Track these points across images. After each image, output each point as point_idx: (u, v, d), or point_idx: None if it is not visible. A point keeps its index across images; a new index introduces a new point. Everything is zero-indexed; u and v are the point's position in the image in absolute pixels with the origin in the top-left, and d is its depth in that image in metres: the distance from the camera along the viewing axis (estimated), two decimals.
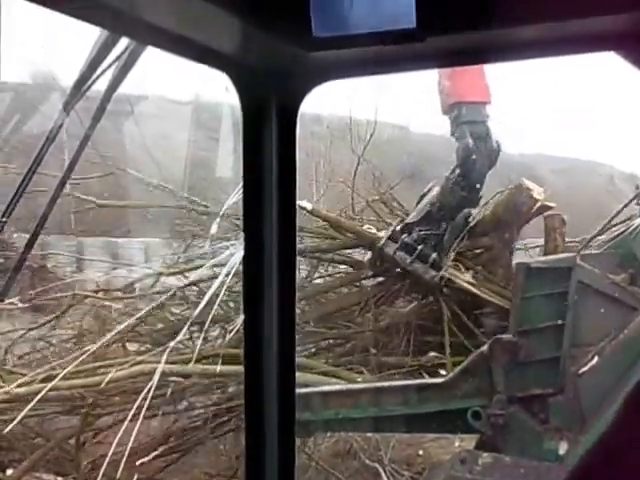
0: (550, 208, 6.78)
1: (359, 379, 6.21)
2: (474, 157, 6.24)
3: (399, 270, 7.01)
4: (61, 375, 5.58)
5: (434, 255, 6.55)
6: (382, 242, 6.75)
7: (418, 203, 6.84)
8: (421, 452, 6.79)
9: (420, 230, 6.61)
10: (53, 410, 6.29)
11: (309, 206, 7.12)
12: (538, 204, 6.77)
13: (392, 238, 6.72)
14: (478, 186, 6.49)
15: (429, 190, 6.78)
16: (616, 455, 0.70)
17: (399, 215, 7.52)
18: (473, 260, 7.12)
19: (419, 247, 6.52)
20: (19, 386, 5.58)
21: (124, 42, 1.35)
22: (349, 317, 7.42)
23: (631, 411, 0.72)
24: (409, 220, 6.71)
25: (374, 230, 7.27)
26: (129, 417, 5.07)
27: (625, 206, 6.80)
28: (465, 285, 6.69)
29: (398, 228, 6.81)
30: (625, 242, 4.96)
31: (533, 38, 1.17)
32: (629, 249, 4.87)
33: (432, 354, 6.84)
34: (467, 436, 5.41)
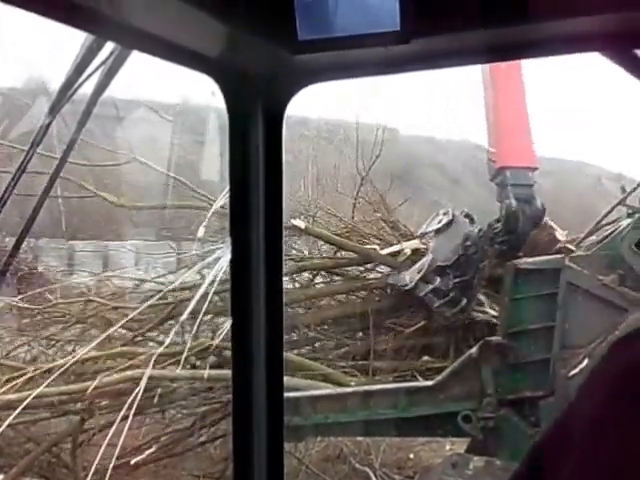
0: (571, 251, 6.63)
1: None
2: (518, 218, 6.47)
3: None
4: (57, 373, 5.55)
5: (464, 302, 6.65)
6: (412, 284, 6.67)
7: (436, 233, 6.81)
8: (412, 456, 6.79)
9: (454, 277, 6.60)
10: (43, 415, 6.25)
11: (302, 225, 7.06)
12: (559, 245, 6.89)
13: (424, 279, 6.66)
14: (518, 244, 6.64)
15: (448, 223, 6.73)
16: (568, 440, 0.71)
17: (386, 221, 7.60)
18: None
19: (451, 294, 6.56)
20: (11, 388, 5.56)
21: (110, 46, 1.34)
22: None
23: (585, 396, 0.73)
24: (442, 263, 6.65)
25: (374, 247, 7.33)
26: (117, 421, 5.04)
27: (613, 208, 6.87)
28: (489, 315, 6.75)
29: (430, 268, 6.68)
30: (613, 244, 5.00)
31: (518, 39, 1.18)
32: (617, 251, 4.90)
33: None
34: (458, 439, 5.43)
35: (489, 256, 6.79)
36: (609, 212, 7.00)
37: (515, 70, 6.45)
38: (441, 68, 1.26)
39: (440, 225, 6.71)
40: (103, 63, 1.42)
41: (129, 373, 5.79)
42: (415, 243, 7.37)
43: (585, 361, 4.38)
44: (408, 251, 7.23)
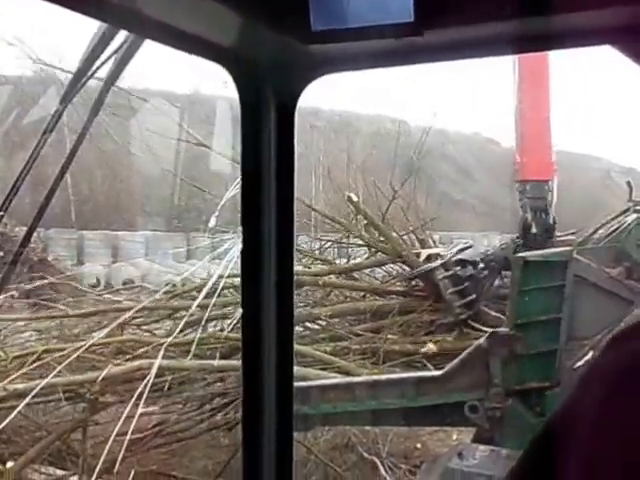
0: None
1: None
2: (533, 229, 6.97)
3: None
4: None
5: (473, 296, 7.03)
6: (434, 264, 7.17)
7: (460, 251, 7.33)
8: (419, 445, 6.83)
9: (472, 273, 7.12)
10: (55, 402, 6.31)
11: (355, 197, 7.53)
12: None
13: (445, 266, 7.15)
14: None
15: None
16: (567, 433, 0.71)
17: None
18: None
19: (466, 284, 6.98)
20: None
21: (122, 35, 1.35)
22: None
23: (584, 389, 0.73)
24: (466, 257, 7.10)
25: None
26: (127, 409, 5.09)
27: (627, 210, 6.94)
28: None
29: (453, 259, 7.21)
30: (619, 239, 5.00)
31: (531, 32, 1.17)
32: (623, 246, 4.90)
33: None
34: (464, 429, 5.44)
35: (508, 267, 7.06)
36: (622, 212, 7.10)
37: (544, 83, 6.73)
38: (454, 60, 1.25)
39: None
40: (115, 52, 1.42)
41: None
42: (437, 250, 7.78)
43: (590, 353, 4.38)
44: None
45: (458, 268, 7.07)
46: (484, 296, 7.23)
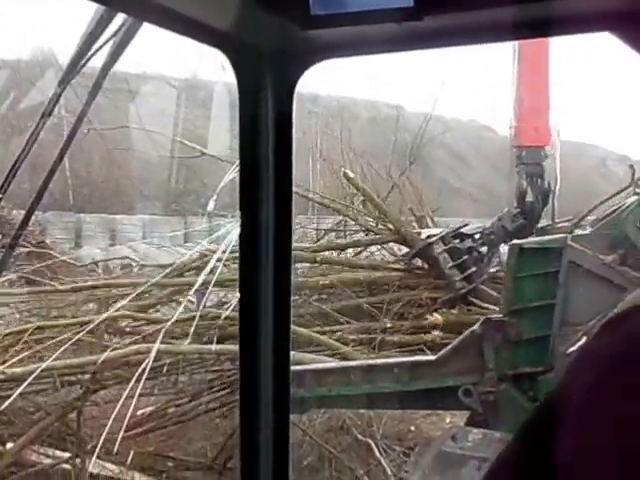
0: None
1: None
2: (529, 196, 6.87)
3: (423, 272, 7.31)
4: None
5: (473, 269, 6.96)
6: (433, 239, 7.06)
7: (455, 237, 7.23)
8: (413, 428, 6.91)
9: (471, 246, 7.09)
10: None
11: (351, 174, 7.50)
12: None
13: (443, 239, 7.08)
14: (532, 221, 6.93)
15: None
16: (558, 418, 0.70)
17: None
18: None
19: (465, 257, 6.91)
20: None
21: (120, 18, 1.34)
22: None
23: (575, 375, 0.73)
24: (464, 230, 7.09)
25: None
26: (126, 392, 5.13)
27: (621, 191, 6.94)
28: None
29: (452, 232, 7.21)
30: (617, 222, 5.00)
31: (530, 18, 1.17)
32: (621, 229, 4.90)
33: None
34: (458, 413, 5.50)
35: (507, 237, 7.01)
36: (615, 195, 7.08)
37: (543, 50, 6.61)
38: (454, 46, 1.25)
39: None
40: (114, 35, 1.41)
41: None
42: (436, 230, 7.69)
43: (583, 338, 4.42)
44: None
45: (457, 241, 7.00)
46: (484, 270, 7.10)
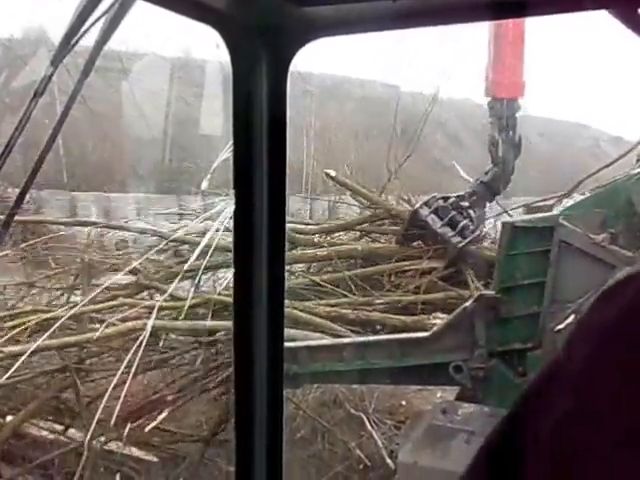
0: None
1: None
2: (500, 147, 6.83)
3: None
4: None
5: (464, 222, 7.04)
6: (417, 205, 7.26)
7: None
8: (404, 402, 7.02)
9: (456, 198, 7.20)
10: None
11: (333, 173, 7.67)
12: None
13: (427, 204, 7.24)
14: (507, 171, 6.92)
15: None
16: (552, 393, 0.71)
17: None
18: None
19: (452, 212, 7.05)
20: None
21: None
22: None
23: (570, 349, 0.74)
24: (446, 195, 7.27)
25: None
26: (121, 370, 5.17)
27: (607, 166, 6.96)
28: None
29: (436, 197, 7.31)
30: (614, 192, 5.04)
31: None
32: (618, 202, 4.93)
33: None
34: (449, 388, 5.58)
35: (487, 191, 7.12)
36: (602, 168, 7.12)
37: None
38: (448, 24, 1.25)
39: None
40: (106, 12, 1.40)
41: None
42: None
43: (572, 316, 4.48)
44: None
45: (441, 201, 7.15)
46: (476, 223, 7.17)
